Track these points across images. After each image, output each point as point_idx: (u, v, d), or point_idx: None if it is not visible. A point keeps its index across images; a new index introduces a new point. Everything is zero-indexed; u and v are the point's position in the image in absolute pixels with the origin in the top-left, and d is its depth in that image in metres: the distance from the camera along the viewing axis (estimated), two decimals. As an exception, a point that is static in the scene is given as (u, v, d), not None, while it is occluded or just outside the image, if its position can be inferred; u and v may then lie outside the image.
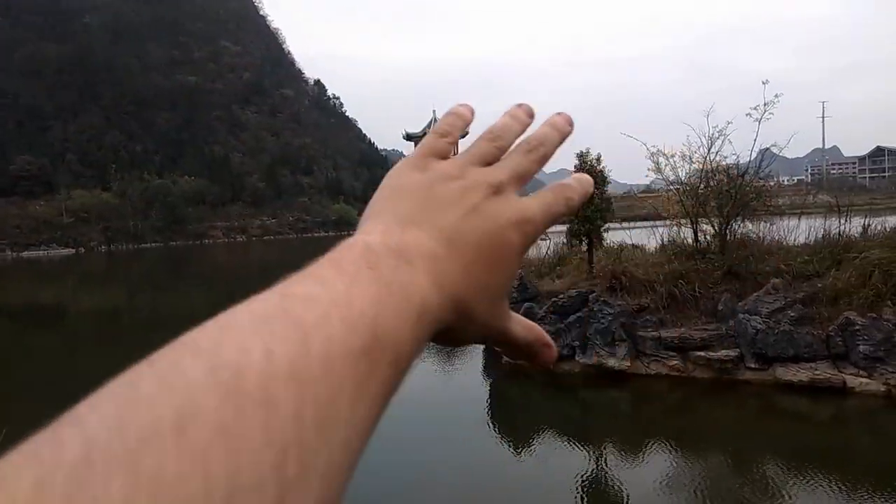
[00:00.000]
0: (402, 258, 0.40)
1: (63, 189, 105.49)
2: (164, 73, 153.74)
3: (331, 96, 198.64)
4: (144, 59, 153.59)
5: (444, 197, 0.46)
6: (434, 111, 72.88)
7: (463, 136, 0.55)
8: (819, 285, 10.85)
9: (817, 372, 10.06)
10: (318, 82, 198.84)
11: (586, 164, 13.64)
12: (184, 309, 28.29)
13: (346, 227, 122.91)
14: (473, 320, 0.44)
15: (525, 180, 0.49)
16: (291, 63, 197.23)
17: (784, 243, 12.76)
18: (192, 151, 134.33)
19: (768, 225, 13.23)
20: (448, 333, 0.43)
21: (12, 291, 42.95)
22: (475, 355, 14.44)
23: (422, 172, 0.48)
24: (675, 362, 11.24)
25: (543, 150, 0.50)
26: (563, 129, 0.52)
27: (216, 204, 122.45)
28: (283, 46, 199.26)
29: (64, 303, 34.32)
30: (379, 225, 0.44)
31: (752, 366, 10.65)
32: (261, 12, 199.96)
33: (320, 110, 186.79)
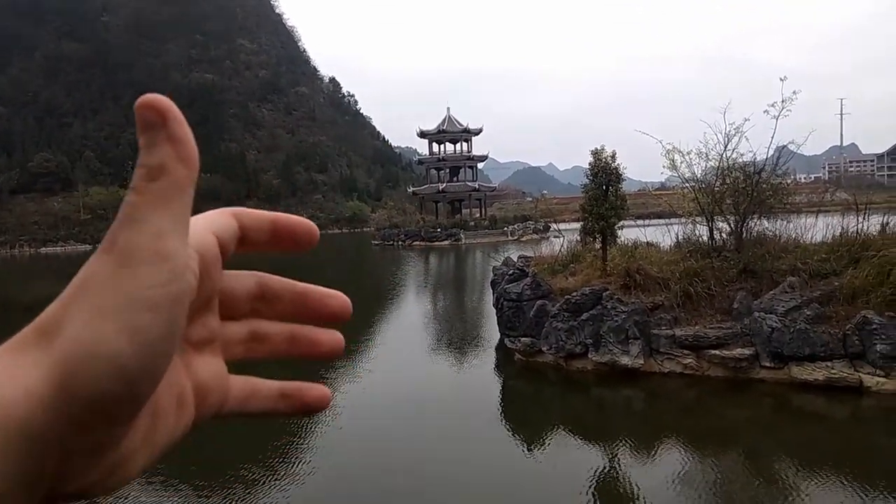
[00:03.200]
0: None
1: (81, 186, 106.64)
2: (182, 71, 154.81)
3: (345, 94, 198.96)
4: (163, 57, 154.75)
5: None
6: (448, 108, 72.83)
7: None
8: (836, 284, 10.73)
9: (833, 371, 9.95)
10: (332, 80, 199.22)
11: (601, 162, 13.58)
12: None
13: (359, 223, 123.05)
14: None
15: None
16: (307, 61, 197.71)
17: (801, 241, 12.63)
18: (208, 149, 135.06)
19: (785, 223, 13.11)
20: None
21: (30, 286, 43.45)
22: (488, 353, 14.43)
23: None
24: (690, 361, 11.17)
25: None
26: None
27: (231, 201, 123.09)
28: (299, 44, 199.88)
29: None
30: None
31: (768, 364, 10.56)
32: (276, 10, 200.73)
33: (335, 108, 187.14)
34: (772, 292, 11.04)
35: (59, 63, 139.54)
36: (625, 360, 11.47)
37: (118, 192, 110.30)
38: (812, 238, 12.68)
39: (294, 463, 8.43)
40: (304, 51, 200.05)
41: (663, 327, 11.49)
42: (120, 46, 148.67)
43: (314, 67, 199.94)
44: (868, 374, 9.74)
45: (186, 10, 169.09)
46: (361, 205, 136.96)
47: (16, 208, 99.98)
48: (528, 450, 8.77)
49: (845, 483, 6.94)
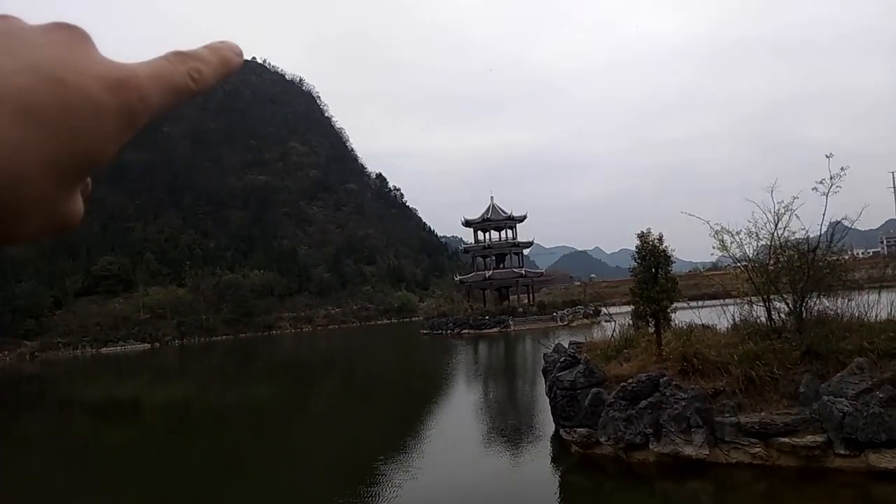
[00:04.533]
0: None
1: (141, 286, 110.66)
2: (238, 174, 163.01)
3: (391, 188, 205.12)
4: (220, 162, 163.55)
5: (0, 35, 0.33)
6: (492, 197, 74.04)
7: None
8: (909, 363, 10.18)
9: (917, 458, 9.29)
10: (379, 175, 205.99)
11: (648, 245, 13.52)
12: (248, 399, 28.63)
13: (408, 313, 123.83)
14: (27, 209, 0.32)
15: (162, 84, 0.38)
16: (354, 159, 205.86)
17: (865, 319, 12.12)
18: (261, 246, 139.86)
19: (846, 300, 12.64)
20: None
21: (88, 387, 44.53)
22: (542, 445, 14.01)
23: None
24: (758, 450, 10.59)
25: (194, 64, 0.40)
26: (225, 55, 0.43)
27: (284, 295, 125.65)
28: (347, 144, 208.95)
29: (137, 396, 35.30)
30: None
31: (842, 452, 9.93)
32: (326, 114, 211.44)
33: (382, 202, 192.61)
34: (839, 374, 10.53)
35: (123, 172, 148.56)
36: (688, 451, 10.96)
37: (176, 291, 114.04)
38: (877, 316, 12.16)
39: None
40: (352, 150, 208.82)
41: (727, 414, 11.00)
42: (180, 154, 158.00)
43: (362, 165, 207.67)
44: (955, 460, 9.07)
45: (241, 117, 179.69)
46: (409, 295, 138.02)
47: (80, 310, 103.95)
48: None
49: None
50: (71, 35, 0.36)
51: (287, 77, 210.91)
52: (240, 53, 0.44)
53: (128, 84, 0.35)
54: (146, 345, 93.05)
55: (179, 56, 0.40)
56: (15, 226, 0.32)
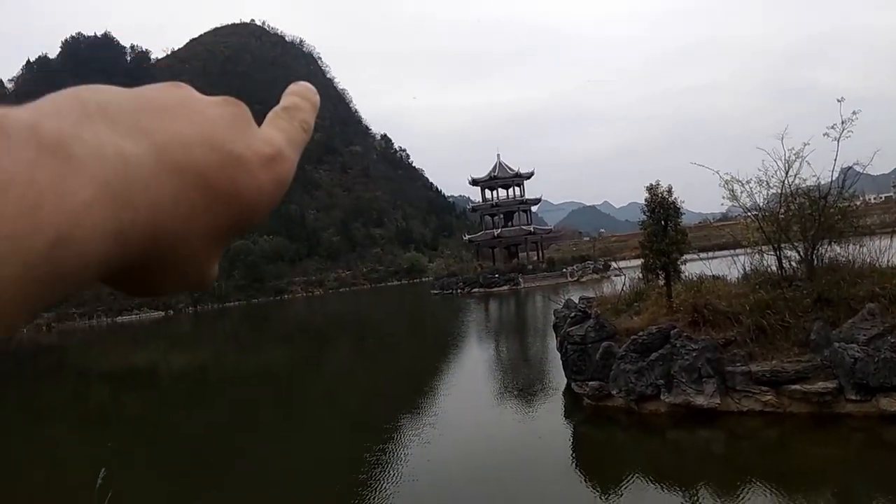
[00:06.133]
0: (51, 152, 0.27)
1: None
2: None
3: (397, 149, 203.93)
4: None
5: (179, 104, 0.35)
6: (499, 155, 73.46)
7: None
8: (921, 308, 10.15)
9: (928, 401, 9.33)
10: (384, 137, 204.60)
11: (657, 197, 13.41)
12: (265, 364, 29.04)
13: (417, 274, 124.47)
14: (176, 266, 0.34)
15: (296, 147, 0.42)
16: (359, 121, 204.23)
17: (877, 265, 12.03)
18: (270, 213, 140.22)
19: (858, 247, 12.55)
20: (133, 276, 0.33)
21: (108, 355, 45.27)
22: (555, 399, 14.16)
23: (181, 89, 0.38)
24: (769, 397, 10.67)
25: (302, 116, 0.44)
26: (310, 97, 0.46)
27: (294, 260, 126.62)
28: (351, 105, 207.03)
29: (155, 363, 35.90)
30: (58, 101, 0.30)
31: (854, 397, 9.99)
32: (328, 75, 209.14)
33: (388, 163, 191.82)
34: (851, 321, 10.52)
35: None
36: (700, 401, 11.05)
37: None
38: (889, 261, 12.08)
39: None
40: (356, 111, 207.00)
41: (738, 363, 11.06)
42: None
43: (366, 126, 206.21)
44: (967, 402, 9.10)
45: (242, 82, 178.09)
46: (419, 255, 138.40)
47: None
48: (604, 499, 8.49)
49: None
50: (237, 112, 0.38)
51: (287, 39, 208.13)
52: (316, 92, 0.48)
53: (279, 158, 0.38)
54: (160, 313, 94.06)
55: (289, 112, 0.43)
56: (162, 279, 0.34)
